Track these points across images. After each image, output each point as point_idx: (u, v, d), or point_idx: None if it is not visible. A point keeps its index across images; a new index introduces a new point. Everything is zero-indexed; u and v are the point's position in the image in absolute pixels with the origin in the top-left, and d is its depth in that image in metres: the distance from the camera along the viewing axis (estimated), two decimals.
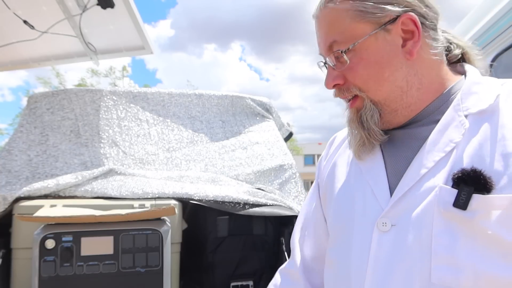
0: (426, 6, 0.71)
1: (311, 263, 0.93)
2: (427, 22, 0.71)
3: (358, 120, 0.74)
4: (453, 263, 0.59)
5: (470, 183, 0.59)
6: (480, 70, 0.77)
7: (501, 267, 0.57)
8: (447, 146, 0.65)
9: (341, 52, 0.70)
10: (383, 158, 0.75)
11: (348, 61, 0.70)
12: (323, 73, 0.82)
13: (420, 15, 0.70)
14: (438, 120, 0.69)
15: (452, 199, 0.60)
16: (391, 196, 0.69)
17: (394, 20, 0.69)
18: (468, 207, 0.59)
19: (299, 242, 0.97)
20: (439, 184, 0.62)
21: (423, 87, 0.71)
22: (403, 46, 0.69)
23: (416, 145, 0.70)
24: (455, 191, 0.60)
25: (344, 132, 0.93)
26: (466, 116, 0.66)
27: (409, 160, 0.69)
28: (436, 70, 0.72)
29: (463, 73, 0.76)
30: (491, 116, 0.65)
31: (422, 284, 0.61)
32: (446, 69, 0.74)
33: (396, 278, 0.63)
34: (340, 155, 0.86)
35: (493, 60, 1.87)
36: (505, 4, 1.80)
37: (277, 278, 0.99)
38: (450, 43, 0.78)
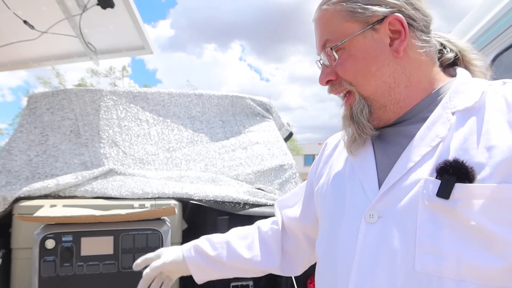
0: (415, 8, 0.75)
1: (288, 230, 1.03)
2: (415, 24, 0.75)
3: (350, 115, 0.78)
4: (437, 251, 0.60)
5: (452, 173, 0.61)
6: (478, 70, 0.80)
7: (483, 256, 0.58)
8: (433, 141, 0.68)
9: (331, 48, 0.76)
10: (374, 154, 0.78)
11: (338, 58, 0.76)
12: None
13: (408, 17, 0.74)
14: (427, 118, 0.72)
15: (435, 189, 0.62)
16: (379, 188, 0.71)
17: (381, 20, 0.73)
18: (451, 196, 0.60)
19: (283, 208, 1.07)
20: (425, 177, 0.65)
21: (412, 85, 0.75)
22: (390, 45, 0.74)
23: (405, 142, 0.72)
24: (439, 181, 0.62)
25: (336, 136, 0.97)
26: (453, 113, 0.69)
27: (398, 156, 0.72)
28: (425, 70, 0.76)
29: (454, 76, 0.79)
30: (476, 112, 0.67)
31: (406, 272, 0.62)
32: (436, 70, 0.77)
33: (381, 268, 0.65)
34: (336, 156, 0.89)
35: (493, 60, 1.87)
36: (505, 4, 1.80)
37: (262, 225, 1.06)
38: (444, 47, 0.82)
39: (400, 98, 0.74)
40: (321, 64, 0.82)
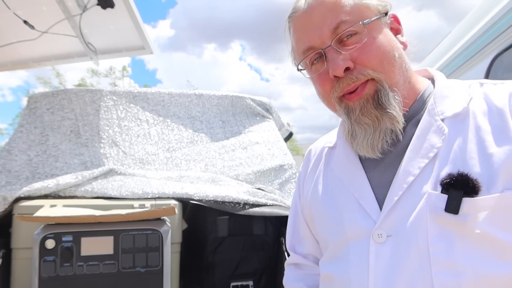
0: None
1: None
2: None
3: (374, 105, 0.68)
4: (453, 267, 0.59)
5: (459, 187, 0.60)
6: None
7: (498, 266, 0.58)
8: (430, 152, 0.66)
9: (363, 23, 0.67)
10: (362, 166, 0.74)
11: (366, 39, 0.67)
12: (305, 75, 0.77)
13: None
14: (417, 124, 0.69)
15: (443, 204, 0.61)
16: (379, 206, 0.68)
17: (386, 14, 0.73)
18: (460, 211, 0.60)
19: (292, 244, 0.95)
20: (428, 190, 0.63)
21: (409, 82, 0.73)
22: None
23: (396, 152, 0.70)
24: (445, 196, 0.61)
25: (318, 144, 0.92)
26: (442, 120, 0.67)
27: (391, 167, 0.69)
28: (412, 71, 0.75)
29: (428, 77, 0.78)
30: (465, 119, 0.66)
31: None
32: (415, 73, 0.76)
33: None
34: (321, 170, 0.85)
35: (493, 60, 1.87)
36: (505, 4, 1.80)
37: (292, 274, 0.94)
38: None
39: (405, 95, 0.70)
40: (323, 54, 0.70)
